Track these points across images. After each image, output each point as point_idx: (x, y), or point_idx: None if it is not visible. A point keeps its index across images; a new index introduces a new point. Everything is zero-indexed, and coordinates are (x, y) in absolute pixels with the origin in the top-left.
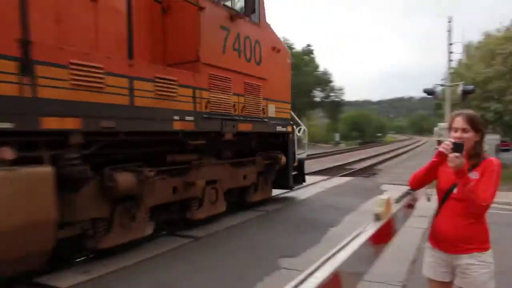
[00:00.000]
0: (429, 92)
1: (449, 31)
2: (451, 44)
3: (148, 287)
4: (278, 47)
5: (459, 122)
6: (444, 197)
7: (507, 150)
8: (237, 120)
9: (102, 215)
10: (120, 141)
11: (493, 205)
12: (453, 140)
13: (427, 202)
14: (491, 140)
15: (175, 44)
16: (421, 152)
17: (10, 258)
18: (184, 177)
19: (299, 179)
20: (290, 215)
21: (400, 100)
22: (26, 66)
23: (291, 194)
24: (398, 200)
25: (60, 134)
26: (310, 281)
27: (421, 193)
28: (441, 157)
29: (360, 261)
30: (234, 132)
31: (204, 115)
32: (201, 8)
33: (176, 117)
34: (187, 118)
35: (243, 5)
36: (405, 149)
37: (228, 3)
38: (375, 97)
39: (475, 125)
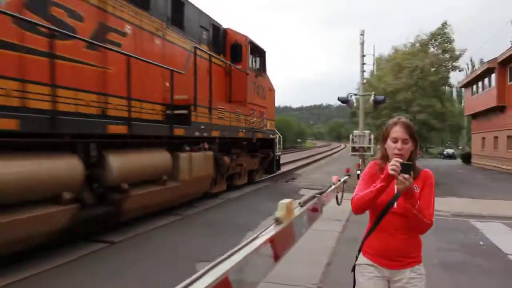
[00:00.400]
0: (343, 100)
1: (362, 43)
2: (363, 55)
3: None
4: (271, 87)
5: (399, 132)
6: (383, 212)
7: None
8: (256, 131)
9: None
10: (227, 141)
11: None
12: (400, 161)
13: (339, 206)
14: None
15: (235, 93)
16: (338, 158)
17: (199, 190)
18: (237, 161)
19: (277, 168)
20: (209, 219)
21: (320, 107)
22: (209, 110)
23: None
24: (303, 204)
25: (212, 138)
26: (195, 286)
27: (330, 196)
28: (390, 180)
29: (255, 265)
30: (255, 138)
31: (248, 129)
32: (247, 74)
33: (240, 130)
34: (243, 130)
35: (259, 66)
36: (324, 154)
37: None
38: (296, 103)
39: (413, 134)
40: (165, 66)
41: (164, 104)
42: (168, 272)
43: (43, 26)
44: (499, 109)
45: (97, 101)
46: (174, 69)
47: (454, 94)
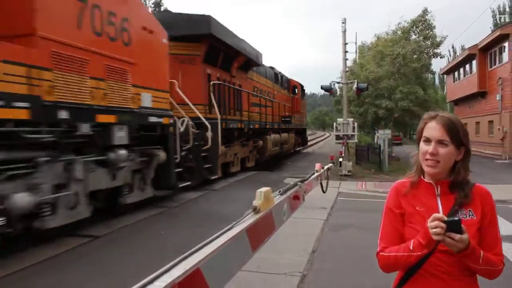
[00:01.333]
0: (326, 89)
1: (344, 31)
2: (346, 44)
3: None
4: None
5: (434, 129)
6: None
7: (399, 144)
8: (301, 125)
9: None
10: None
11: None
12: (444, 218)
13: (324, 194)
14: (384, 135)
15: (294, 109)
16: (323, 146)
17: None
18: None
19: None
20: (194, 210)
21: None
22: (292, 117)
23: (196, 188)
24: (283, 192)
25: (293, 129)
26: (162, 279)
27: (312, 184)
28: (433, 245)
29: (231, 255)
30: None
31: (298, 125)
32: (298, 99)
33: (299, 126)
34: (299, 126)
35: (301, 94)
36: (309, 143)
37: None
38: None
39: (457, 135)
40: (282, 103)
41: (282, 116)
42: (152, 266)
43: (264, 99)
44: (480, 95)
45: (272, 117)
46: (284, 103)
47: (437, 81)
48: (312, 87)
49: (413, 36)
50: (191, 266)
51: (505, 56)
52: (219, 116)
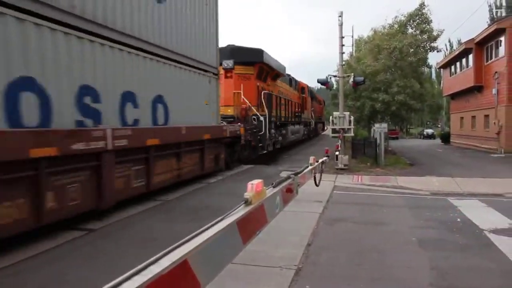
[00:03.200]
0: (322, 82)
1: (341, 25)
2: (342, 37)
3: (39, 281)
4: (321, 101)
5: None
6: None
7: (396, 138)
8: (313, 119)
9: None
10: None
11: (407, 191)
12: None
13: (319, 188)
14: (380, 129)
15: (303, 106)
16: (319, 140)
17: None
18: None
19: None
20: (189, 203)
21: None
22: (302, 113)
23: (191, 183)
24: (276, 185)
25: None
26: (149, 270)
27: (306, 177)
28: None
29: (220, 247)
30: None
31: (311, 118)
32: (306, 97)
33: (313, 120)
34: (313, 120)
35: (309, 94)
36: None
37: None
38: None
39: None
40: (294, 101)
41: (295, 112)
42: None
43: (285, 99)
44: (476, 89)
45: (290, 113)
46: (296, 101)
47: (433, 75)
48: (310, 80)
49: (410, 30)
50: (179, 258)
51: (502, 50)
52: (267, 113)
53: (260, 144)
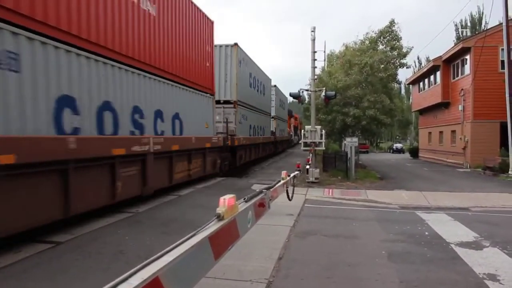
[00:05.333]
0: (294, 96)
1: (313, 40)
2: (315, 52)
3: None
4: (299, 120)
5: None
6: None
7: (366, 152)
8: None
9: None
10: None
11: (377, 204)
12: None
13: (291, 202)
14: (351, 143)
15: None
16: (291, 153)
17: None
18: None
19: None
20: (159, 216)
21: None
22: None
23: (160, 194)
24: (248, 199)
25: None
26: None
27: (278, 191)
28: None
29: (192, 264)
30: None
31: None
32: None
33: (290, 136)
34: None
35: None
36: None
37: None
38: None
39: None
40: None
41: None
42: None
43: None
44: (443, 105)
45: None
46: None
47: (403, 91)
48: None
49: (381, 47)
50: (150, 275)
51: (467, 68)
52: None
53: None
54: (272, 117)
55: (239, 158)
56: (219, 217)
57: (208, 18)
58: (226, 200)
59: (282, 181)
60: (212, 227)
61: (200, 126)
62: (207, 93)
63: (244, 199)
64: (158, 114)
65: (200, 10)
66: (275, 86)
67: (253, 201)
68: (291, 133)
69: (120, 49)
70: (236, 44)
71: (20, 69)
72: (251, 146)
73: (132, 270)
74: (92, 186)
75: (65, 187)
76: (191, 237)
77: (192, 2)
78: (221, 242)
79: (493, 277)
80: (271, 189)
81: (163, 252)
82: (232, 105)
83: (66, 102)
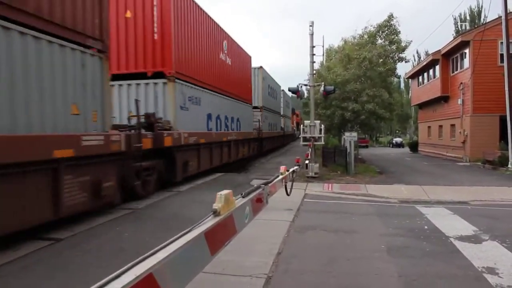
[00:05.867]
0: (293, 91)
1: (311, 34)
2: (313, 46)
3: None
4: (300, 117)
5: None
6: None
7: (365, 147)
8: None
9: None
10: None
11: (377, 199)
12: None
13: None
14: (351, 137)
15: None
16: (290, 149)
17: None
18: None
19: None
20: (159, 212)
21: None
22: (298, 127)
23: (161, 191)
24: (245, 195)
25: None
26: (112, 286)
27: (277, 186)
28: None
29: (187, 260)
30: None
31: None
32: (296, 116)
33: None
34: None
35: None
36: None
37: None
38: None
39: None
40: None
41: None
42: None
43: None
44: (443, 99)
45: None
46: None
47: (402, 85)
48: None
49: (379, 41)
50: (143, 272)
51: (466, 62)
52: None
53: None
54: (281, 116)
55: (264, 146)
56: (216, 213)
57: (248, 54)
58: (223, 196)
59: (280, 176)
60: (208, 222)
61: (249, 125)
62: (248, 103)
63: (241, 194)
64: (230, 118)
65: (247, 53)
66: (282, 90)
67: (250, 196)
68: (294, 128)
69: (214, 84)
70: (261, 67)
71: None
72: (270, 138)
73: (125, 267)
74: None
75: None
76: (187, 233)
77: (244, 51)
78: (217, 238)
79: (492, 271)
80: (269, 184)
81: (157, 248)
82: (259, 110)
83: None
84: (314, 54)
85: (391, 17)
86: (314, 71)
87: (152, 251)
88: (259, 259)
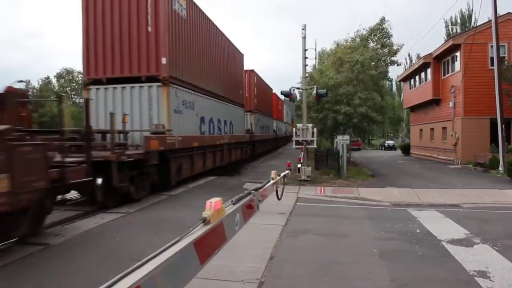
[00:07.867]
0: (285, 94)
1: (304, 37)
2: (306, 50)
3: None
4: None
5: None
6: None
7: (358, 149)
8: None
9: None
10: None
11: (369, 202)
12: None
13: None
14: (343, 140)
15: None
16: (282, 152)
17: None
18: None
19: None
20: (151, 216)
21: None
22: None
23: (152, 194)
24: (236, 202)
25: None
26: None
27: (268, 191)
28: None
29: (176, 271)
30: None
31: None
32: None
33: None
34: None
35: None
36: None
37: None
38: None
39: None
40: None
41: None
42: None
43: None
44: (434, 102)
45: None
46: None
47: (394, 88)
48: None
49: (371, 44)
50: (130, 285)
51: (457, 65)
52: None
53: None
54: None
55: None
56: (205, 221)
57: (241, 56)
58: (212, 204)
59: (272, 181)
60: (198, 231)
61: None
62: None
63: (231, 201)
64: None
65: (240, 55)
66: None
67: (241, 203)
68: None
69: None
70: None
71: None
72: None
73: (112, 280)
74: None
75: None
76: (175, 243)
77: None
78: (207, 247)
79: (483, 274)
80: (260, 190)
81: (144, 260)
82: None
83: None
84: (306, 58)
85: (383, 20)
86: (307, 74)
87: (139, 263)
88: (251, 263)
